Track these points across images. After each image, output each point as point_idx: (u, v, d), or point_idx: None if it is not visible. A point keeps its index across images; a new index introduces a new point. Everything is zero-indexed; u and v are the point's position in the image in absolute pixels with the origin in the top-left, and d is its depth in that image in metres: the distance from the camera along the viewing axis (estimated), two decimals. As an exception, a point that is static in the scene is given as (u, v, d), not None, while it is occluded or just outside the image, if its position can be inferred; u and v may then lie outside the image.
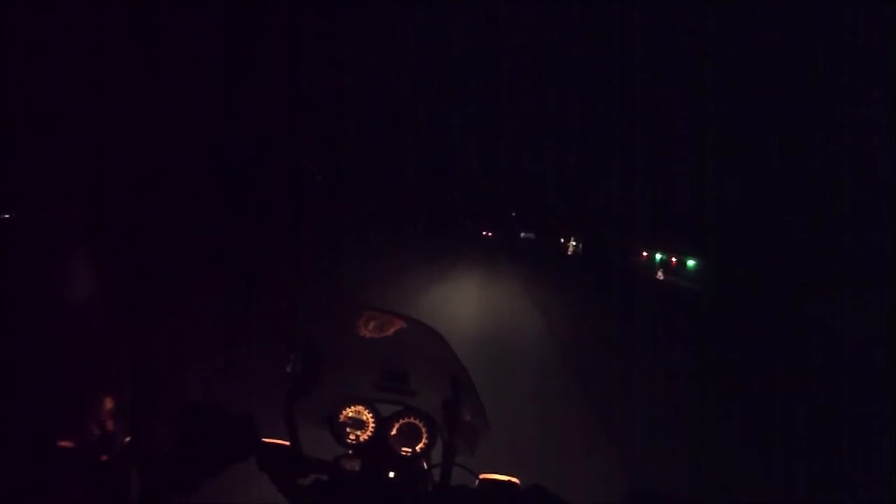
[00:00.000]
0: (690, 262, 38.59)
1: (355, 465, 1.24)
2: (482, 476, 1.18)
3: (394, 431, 1.36)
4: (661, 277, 36.54)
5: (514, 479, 1.16)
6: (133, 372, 1.09)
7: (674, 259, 41.73)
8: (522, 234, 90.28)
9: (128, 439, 1.06)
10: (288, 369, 1.24)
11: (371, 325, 1.26)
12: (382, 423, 1.37)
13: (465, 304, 12.61)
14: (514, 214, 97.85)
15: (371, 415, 1.37)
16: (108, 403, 1.03)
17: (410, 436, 1.35)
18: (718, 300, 24.10)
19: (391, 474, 1.24)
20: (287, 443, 1.23)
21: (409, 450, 1.33)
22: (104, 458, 1.01)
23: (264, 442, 1.22)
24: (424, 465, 1.32)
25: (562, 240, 69.88)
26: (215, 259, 13.66)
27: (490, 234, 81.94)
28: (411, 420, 1.36)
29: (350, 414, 1.37)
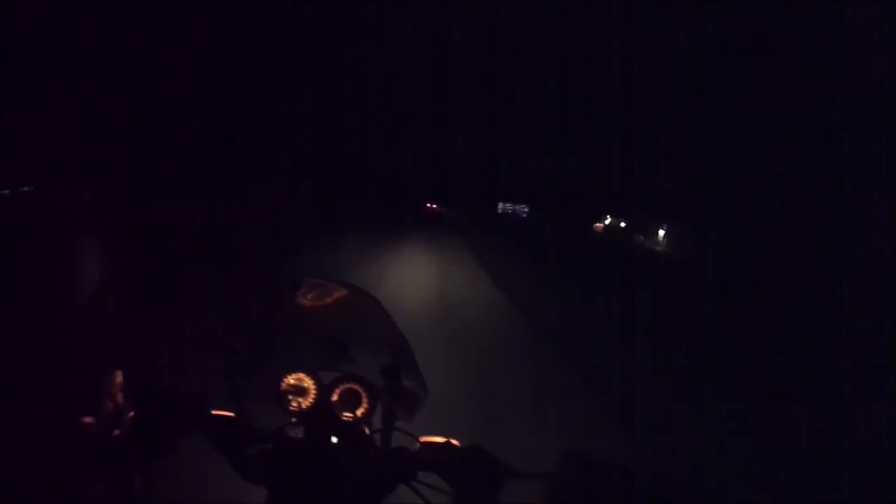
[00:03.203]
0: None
1: (299, 433, 1.25)
2: (423, 439, 1.21)
3: (335, 397, 1.37)
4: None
5: (454, 441, 1.18)
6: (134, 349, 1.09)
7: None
8: (505, 208, 74.63)
9: (131, 414, 1.08)
10: (231, 340, 1.24)
11: (311, 294, 1.26)
12: (324, 390, 1.38)
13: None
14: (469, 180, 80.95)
15: (312, 382, 1.38)
16: (119, 378, 1.04)
17: (352, 402, 1.36)
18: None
19: (334, 440, 1.25)
20: (233, 414, 1.23)
21: (351, 415, 1.35)
22: (117, 432, 1.03)
23: (212, 414, 1.22)
24: (366, 430, 1.34)
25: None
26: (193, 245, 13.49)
27: (435, 206, 68.88)
28: (352, 386, 1.38)
29: (292, 381, 1.38)
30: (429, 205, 69.27)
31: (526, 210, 73.98)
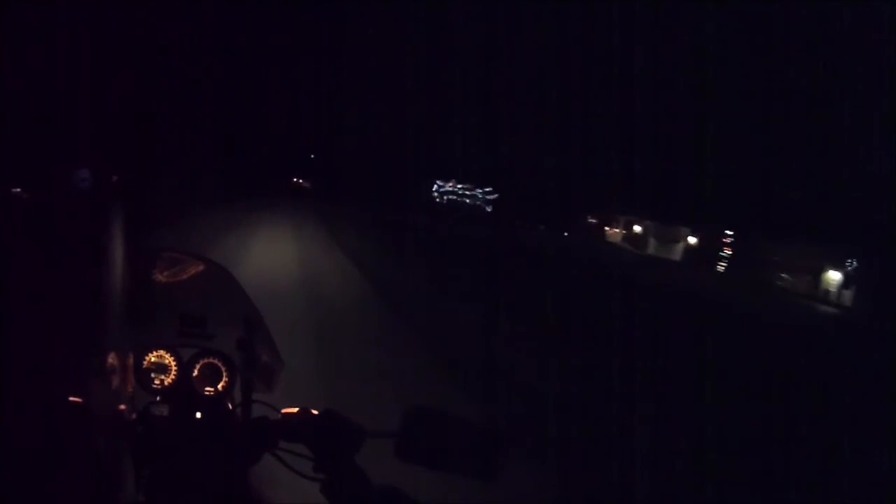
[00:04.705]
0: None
1: (164, 410, 1.26)
2: (284, 410, 1.26)
3: (195, 373, 1.40)
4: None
5: (314, 411, 1.25)
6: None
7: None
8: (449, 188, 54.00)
9: (130, 390, 1.10)
10: (88, 320, 1.22)
11: (167, 270, 1.28)
12: (184, 367, 1.40)
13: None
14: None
15: (173, 359, 1.40)
16: (112, 359, 1.05)
17: (212, 376, 1.40)
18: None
19: (198, 415, 1.28)
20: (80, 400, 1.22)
21: (212, 390, 1.39)
22: (121, 407, 1.06)
23: (69, 401, 1.20)
24: (229, 404, 1.38)
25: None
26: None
27: (302, 181, 59.31)
28: (211, 361, 1.41)
29: (153, 359, 1.39)
30: (295, 179, 65.08)
31: (478, 193, 53.82)
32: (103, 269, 0.97)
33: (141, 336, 1.38)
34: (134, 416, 1.19)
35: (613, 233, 36.45)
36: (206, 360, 1.41)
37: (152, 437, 1.22)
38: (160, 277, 1.28)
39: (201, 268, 1.28)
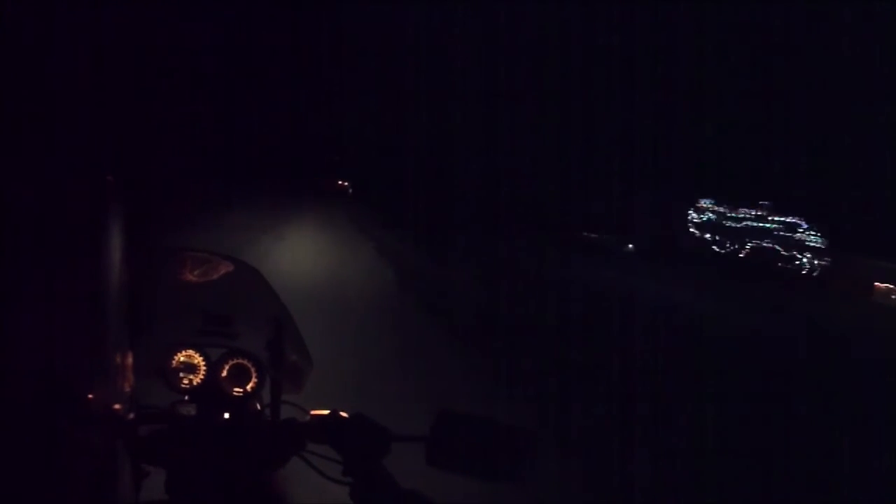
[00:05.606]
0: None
1: (191, 410, 1.26)
2: (313, 412, 1.26)
3: (224, 373, 1.38)
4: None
5: (343, 413, 1.24)
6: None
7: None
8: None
9: (128, 389, 1.10)
10: (115, 317, 1.23)
11: (194, 269, 1.27)
12: (213, 367, 1.39)
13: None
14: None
15: (202, 358, 1.39)
16: (119, 359, 1.05)
17: (240, 377, 1.38)
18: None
19: (226, 416, 1.28)
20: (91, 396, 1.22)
21: (241, 390, 1.37)
22: (117, 406, 1.06)
23: (88, 399, 1.21)
24: (257, 405, 1.37)
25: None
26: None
27: (346, 183, 55.92)
28: (240, 361, 1.39)
29: (181, 359, 1.38)
30: (341, 182, 63.68)
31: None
32: (102, 269, 0.96)
33: (168, 335, 1.38)
34: (132, 415, 1.18)
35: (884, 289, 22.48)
36: (234, 361, 1.39)
37: (179, 437, 1.23)
38: (189, 277, 1.28)
39: (231, 268, 1.27)
